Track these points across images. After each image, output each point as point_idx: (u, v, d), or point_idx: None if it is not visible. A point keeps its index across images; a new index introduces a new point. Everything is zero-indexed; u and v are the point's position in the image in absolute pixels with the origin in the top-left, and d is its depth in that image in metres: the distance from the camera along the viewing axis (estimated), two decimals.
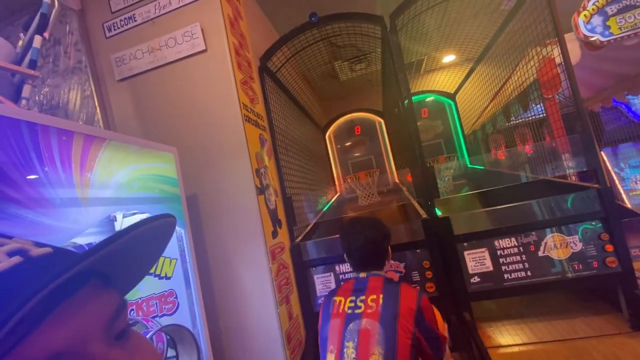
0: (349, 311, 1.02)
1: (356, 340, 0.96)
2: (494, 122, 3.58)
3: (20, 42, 1.42)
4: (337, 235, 1.91)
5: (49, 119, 0.90)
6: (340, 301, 1.07)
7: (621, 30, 2.18)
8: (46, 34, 1.36)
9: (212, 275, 1.70)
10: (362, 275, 1.12)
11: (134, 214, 1.38)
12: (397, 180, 4.41)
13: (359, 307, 1.01)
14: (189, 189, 1.66)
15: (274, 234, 1.80)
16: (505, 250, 1.78)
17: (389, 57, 2.26)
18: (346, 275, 1.94)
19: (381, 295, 0.99)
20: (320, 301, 1.92)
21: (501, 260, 1.77)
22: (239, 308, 1.68)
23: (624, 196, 3.20)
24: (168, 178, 1.40)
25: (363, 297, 1.02)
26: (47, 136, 0.89)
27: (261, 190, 1.76)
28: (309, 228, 2.42)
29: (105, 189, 1.08)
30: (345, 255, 1.22)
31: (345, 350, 0.97)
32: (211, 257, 1.71)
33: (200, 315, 1.36)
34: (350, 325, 0.99)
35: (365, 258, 1.15)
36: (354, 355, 0.95)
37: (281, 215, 2.00)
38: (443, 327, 1.11)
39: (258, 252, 1.67)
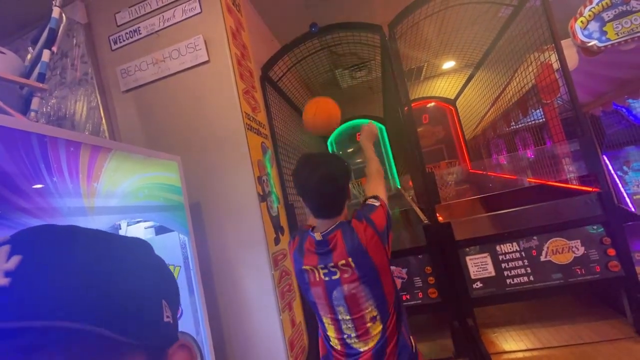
0: (326, 278, 0.98)
1: (345, 305, 0.96)
2: (494, 127, 3.60)
3: (29, 56, 1.46)
4: None
5: (57, 130, 0.93)
6: (311, 270, 1.01)
7: (618, 35, 2.20)
8: (54, 48, 1.40)
9: (214, 282, 1.71)
10: (317, 236, 1.00)
11: (139, 222, 1.40)
12: (399, 186, 4.42)
13: (334, 273, 0.97)
14: (193, 197, 1.68)
15: (276, 241, 1.82)
16: (507, 255, 1.78)
17: (389, 64, 2.29)
18: None
19: (349, 258, 0.94)
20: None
21: (503, 265, 1.78)
22: (242, 315, 1.69)
23: (627, 199, 3.19)
24: (172, 186, 1.42)
25: (332, 264, 0.96)
26: (56, 147, 0.92)
27: (263, 197, 1.78)
28: None
29: (112, 198, 1.10)
30: (302, 200, 1.08)
31: (338, 314, 0.98)
32: (214, 264, 1.72)
33: (203, 322, 1.38)
34: (334, 292, 0.97)
35: (323, 201, 1.01)
36: (348, 317, 0.97)
37: (283, 222, 2.02)
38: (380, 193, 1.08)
39: (260, 259, 1.68)
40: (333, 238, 0.98)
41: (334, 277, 0.96)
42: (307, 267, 1.01)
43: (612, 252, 1.66)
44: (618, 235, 1.66)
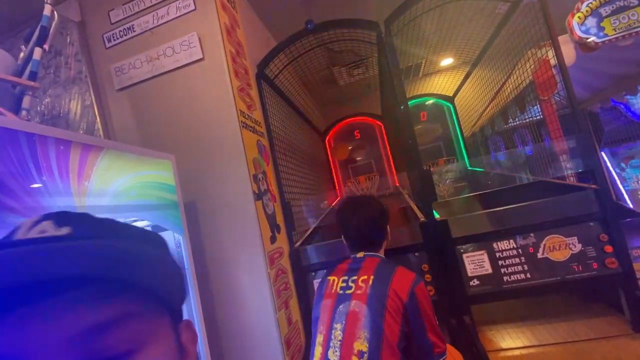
0: (341, 292, 0.98)
1: (344, 322, 0.93)
2: (492, 124, 3.59)
3: (21, 54, 1.45)
4: (336, 240, 1.91)
5: (46, 129, 0.92)
6: (333, 281, 1.03)
7: (615, 31, 2.19)
8: (46, 46, 1.38)
9: (210, 281, 1.71)
10: (359, 255, 1.07)
11: (134, 221, 1.40)
12: (397, 184, 4.41)
13: (350, 288, 0.97)
14: (187, 195, 1.67)
15: (273, 239, 1.81)
16: (504, 253, 1.77)
17: (386, 62, 2.28)
18: None
19: (372, 277, 0.94)
20: None
21: (500, 262, 1.77)
22: (238, 314, 1.68)
23: (625, 196, 3.19)
24: (166, 185, 1.41)
25: (355, 277, 0.98)
26: (45, 146, 0.91)
27: (259, 195, 1.77)
28: (308, 233, 2.42)
29: (103, 197, 1.09)
30: (342, 237, 1.17)
31: (333, 332, 0.95)
32: (209, 263, 1.72)
33: (198, 321, 1.37)
34: (340, 306, 0.96)
35: (361, 238, 1.10)
36: (340, 338, 0.93)
37: (280, 220, 2.01)
38: (437, 334, 0.99)
39: (256, 257, 1.67)
40: (371, 260, 1.04)
41: (347, 292, 0.99)
42: (331, 278, 1.06)
43: (609, 249, 1.65)
44: (615, 232, 1.65)
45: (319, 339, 1.00)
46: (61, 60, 1.99)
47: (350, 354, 0.91)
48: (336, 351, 0.93)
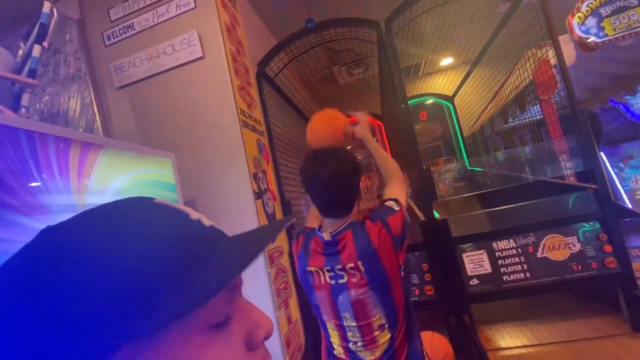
0: (332, 282, 0.92)
1: (351, 311, 0.91)
2: (492, 124, 3.59)
3: (20, 52, 1.44)
4: None
5: (46, 126, 0.91)
6: (317, 272, 0.95)
7: (615, 31, 2.19)
8: (45, 43, 1.38)
9: None
10: (326, 236, 0.94)
11: None
12: None
13: (341, 277, 0.90)
14: (187, 194, 1.67)
15: None
16: (503, 252, 1.78)
17: (386, 61, 2.28)
18: None
19: (359, 262, 0.88)
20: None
21: (500, 262, 1.77)
22: None
23: (624, 196, 3.19)
24: (166, 184, 1.41)
25: (339, 266, 0.90)
26: (45, 144, 0.90)
27: (259, 194, 1.77)
28: None
29: (103, 195, 1.09)
30: (309, 197, 1.01)
31: (344, 321, 0.93)
32: None
33: None
34: (340, 297, 0.92)
35: (330, 199, 0.94)
36: (354, 324, 0.91)
37: (280, 219, 2.01)
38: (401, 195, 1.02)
39: None
40: (342, 238, 0.91)
41: (340, 281, 0.90)
42: (313, 269, 0.95)
43: (608, 248, 1.65)
44: (614, 232, 1.65)
45: (330, 325, 0.98)
46: (60, 58, 1.98)
47: (372, 331, 0.91)
48: (355, 333, 0.92)
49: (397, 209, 0.97)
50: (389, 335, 0.90)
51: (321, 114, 1.30)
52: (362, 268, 0.88)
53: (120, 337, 0.20)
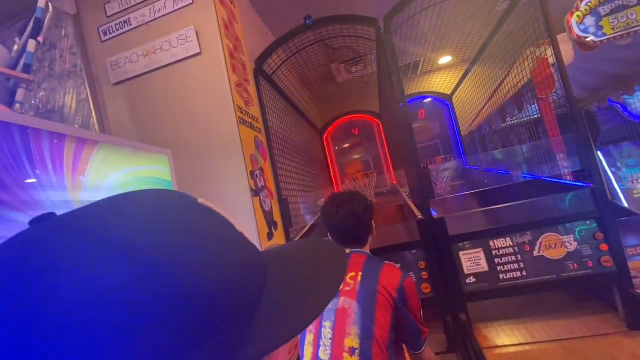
0: None
1: (333, 319, 0.93)
2: (490, 122, 3.59)
3: (15, 47, 1.42)
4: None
5: (40, 122, 0.90)
6: None
7: (614, 30, 2.19)
8: (40, 38, 1.36)
9: None
10: (346, 250, 1.07)
11: None
12: (394, 182, 4.42)
13: None
14: (184, 191, 1.65)
15: (270, 236, 1.81)
16: (500, 251, 1.78)
17: (384, 59, 2.27)
18: None
19: (360, 273, 0.94)
20: None
21: (496, 260, 1.78)
22: None
23: (620, 195, 3.21)
24: (162, 181, 1.40)
25: None
26: (39, 139, 0.89)
27: (256, 192, 1.76)
28: (306, 229, 2.42)
29: (99, 192, 1.08)
30: (328, 234, 1.17)
31: (322, 330, 0.94)
32: None
33: None
34: (329, 304, 0.95)
35: (346, 233, 1.10)
36: (330, 336, 0.92)
37: (277, 217, 2.01)
38: (423, 324, 1.04)
39: None
40: (357, 256, 1.03)
41: None
42: None
43: (604, 247, 1.66)
44: (611, 231, 1.66)
45: (309, 338, 0.99)
46: (56, 53, 1.96)
47: (342, 351, 0.90)
48: (327, 350, 0.92)
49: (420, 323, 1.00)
50: None
51: None
52: (359, 278, 0.95)
53: None
